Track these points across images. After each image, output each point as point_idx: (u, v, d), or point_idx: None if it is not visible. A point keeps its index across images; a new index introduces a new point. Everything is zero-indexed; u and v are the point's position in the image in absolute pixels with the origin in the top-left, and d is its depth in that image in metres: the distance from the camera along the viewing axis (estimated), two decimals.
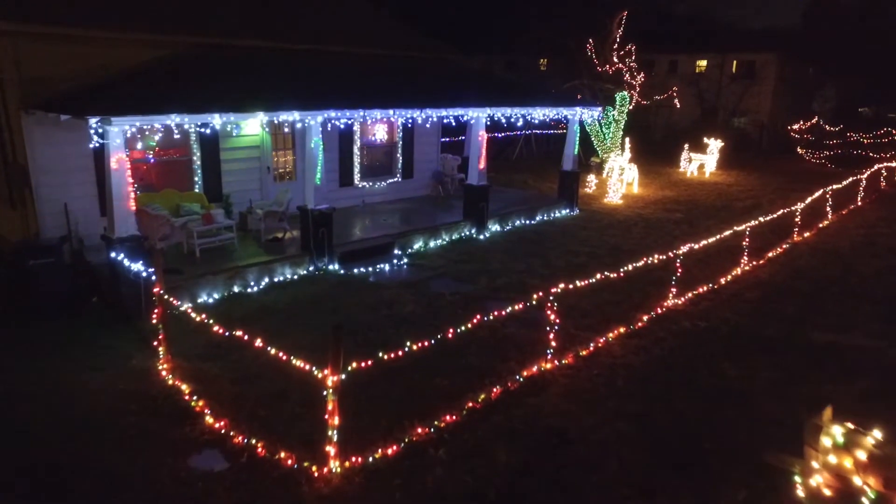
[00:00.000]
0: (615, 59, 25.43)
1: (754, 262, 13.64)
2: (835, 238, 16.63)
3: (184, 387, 7.31)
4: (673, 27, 41.09)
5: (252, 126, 12.69)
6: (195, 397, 7.09)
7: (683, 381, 7.93)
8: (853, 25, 46.40)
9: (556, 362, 8.18)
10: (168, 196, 12.02)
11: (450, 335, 6.81)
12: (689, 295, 11.30)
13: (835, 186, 19.30)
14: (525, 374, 7.83)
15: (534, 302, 7.91)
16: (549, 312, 8.04)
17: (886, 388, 8.06)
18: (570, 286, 8.35)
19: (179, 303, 7.75)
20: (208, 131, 10.91)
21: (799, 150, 34.43)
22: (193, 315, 7.23)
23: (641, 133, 25.93)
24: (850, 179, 20.98)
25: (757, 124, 38.71)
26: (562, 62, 31.33)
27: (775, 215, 14.96)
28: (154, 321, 7.65)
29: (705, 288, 11.77)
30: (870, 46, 44.57)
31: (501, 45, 39.14)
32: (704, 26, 44.41)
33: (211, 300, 10.20)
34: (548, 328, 8.08)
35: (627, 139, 23.87)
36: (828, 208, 19.12)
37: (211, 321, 7.09)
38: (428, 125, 13.99)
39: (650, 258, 10.41)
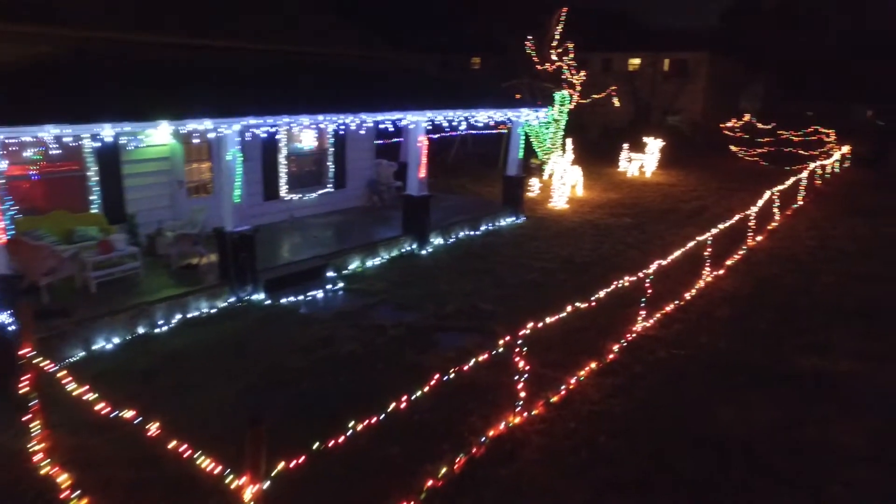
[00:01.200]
0: (554, 58, 24.53)
1: (715, 273, 12.81)
2: (788, 242, 16.07)
3: (63, 476, 5.71)
4: (603, 26, 40.78)
5: (161, 134, 10.93)
6: (77, 492, 5.51)
7: (676, 432, 6.81)
8: (771, 26, 47.44)
9: (525, 414, 6.94)
10: (58, 219, 10.19)
11: (403, 403, 5.46)
12: (658, 315, 10.29)
13: (780, 187, 18.87)
14: (491, 433, 6.55)
15: (500, 349, 6.63)
16: (517, 359, 6.78)
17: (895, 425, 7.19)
18: (540, 324, 7.12)
19: (57, 363, 6.12)
20: (106, 140, 9.17)
21: (732, 147, 34.50)
22: (70, 383, 5.61)
23: (576, 133, 25.11)
24: (792, 179, 20.68)
25: (690, 122, 38.77)
26: (498, 61, 30.32)
27: (732, 221, 14.20)
28: (23, 390, 6.01)
29: (672, 306, 10.80)
30: (789, 46, 45.64)
31: (434, 43, 37.87)
32: (632, 26, 44.41)
33: (109, 346, 8.51)
34: (516, 377, 6.82)
35: (570, 140, 23.02)
36: (775, 209, 18.66)
37: (93, 393, 5.50)
38: (362, 131, 12.57)
39: (620, 282, 9.27)
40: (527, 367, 6.81)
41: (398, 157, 17.91)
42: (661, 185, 24.59)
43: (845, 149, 30.92)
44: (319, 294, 10.70)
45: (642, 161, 27.07)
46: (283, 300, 10.31)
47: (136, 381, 7.60)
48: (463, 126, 14.57)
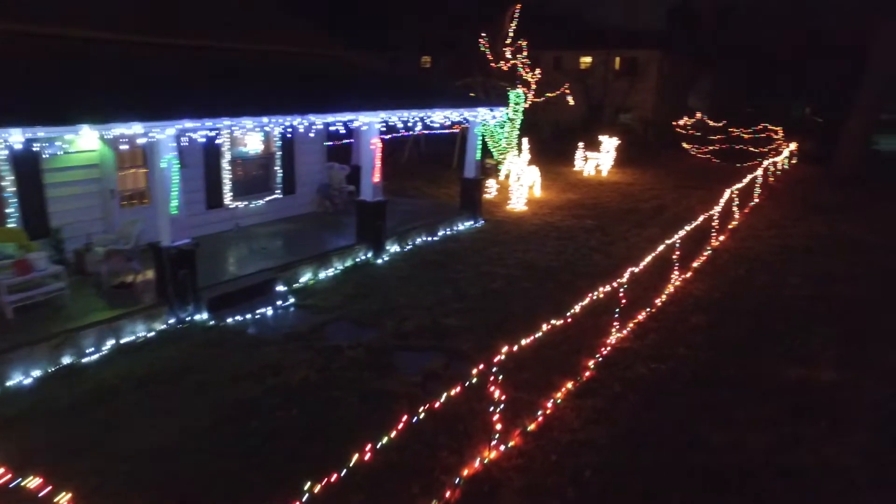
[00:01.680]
0: (508, 55, 23.98)
1: (684, 276, 12.39)
2: (750, 241, 15.84)
3: None
4: (553, 24, 40.52)
5: (88, 139, 9.89)
6: None
7: (667, 464, 6.22)
8: (713, 25, 48.02)
9: (502, 447, 6.26)
10: None
11: (367, 453, 4.72)
12: (632, 325, 9.76)
13: (738, 186, 18.71)
14: (466, 472, 5.85)
15: (473, 380, 5.94)
16: (492, 387, 6.10)
17: (888, 442, 6.77)
18: (515, 347, 6.45)
19: None
20: (18, 146, 8.12)
21: (685, 145, 34.62)
22: None
23: (529, 131, 24.64)
24: (749, 177, 20.60)
25: (642, 120, 38.84)
26: (450, 59, 29.68)
27: (697, 222, 13.85)
28: None
29: (644, 314, 10.28)
30: (730, 45, 46.21)
31: (383, 41, 37.00)
32: (581, 24, 44.30)
33: (28, 381, 7.52)
34: (491, 408, 6.13)
35: (526, 140, 22.51)
36: (734, 208, 18.48)
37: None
38: (311, 133, 11.72)
39: (595, 294, 8.68)
40: (502, 397, 6.13)
41: (350, 160, 17.09)
42: (618, 185, 24.31)
43: (793, 146, 31.29)
44: (269, 312, 9.83)
45: (598, 160, 26.79)
46: (229, 320, 9.41)
47: (56, 426, 6.65)
48: (418, 127, 13.83)
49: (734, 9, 50.15)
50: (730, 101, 43.26)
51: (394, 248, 13.54)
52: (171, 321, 9.12)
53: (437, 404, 5.54)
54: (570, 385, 7.67)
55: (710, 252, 14.44)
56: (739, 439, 6.70)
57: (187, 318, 9.22)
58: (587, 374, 8.07)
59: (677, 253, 12.03)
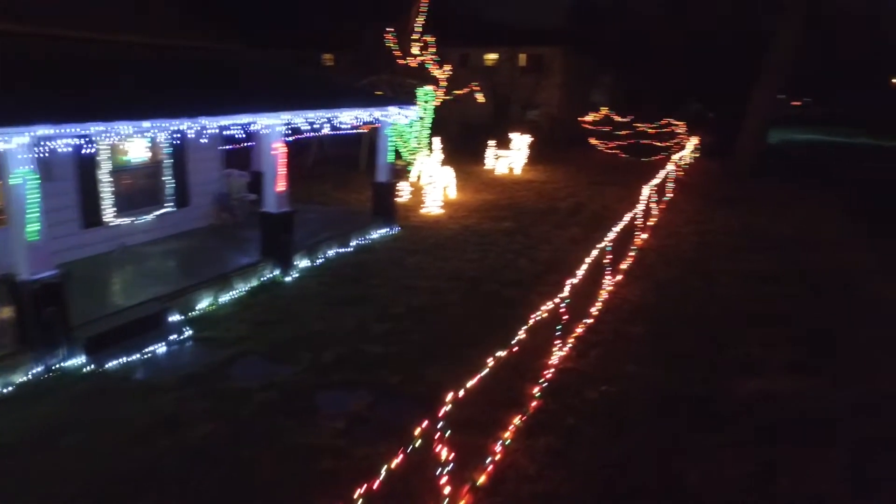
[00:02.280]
0: (416, 52, 22.98)
1: (614, 280, 11.79)
2: (673, 239, 15.56)
3: None
4: (457, 21, 39.85)
5: None
6: None
7: None
8: (609, 23, 48.84)
9: None
10: None
11: None
12: (571, 340, 8.98)
13: (654, 182, 18.52)
14: None
15: (417, 443, 4.90)
16: (440, 448, 5.07)
17: (865, 457, 6.25)
18: (460, 393, 5.46)
19: None
20: None
21: (592, 141, 34.77)
22: None
23: (435, 129, 23.80)
24: (663, 172, 20.53)
25: (548, 117, 38.81)
26: (355, 56, 28.37)
27: (624, 222, 13.33)
28: None
29: (582, 326, 9.54)
30: (626, 43, 47.10)
31: (282, 37, 35.09)
32: (485, 21, 43.89)
33: None
34: (438, 471, 5.11)
35: (438, 139, 21.62)
36: (651, 204, 18.26)
37: None
38: (203, 139, 10.27)
39: (537, 313, 7.80)
40: (451, 456, 5.12)
41: (250, 166, 15.60)
42: (532, 183, 23.82)
43: (695, 140, 31.94)
44: (161, 349, 8.41)
45: (511, 158, 26.25)
46: (112, 363, 7.93)
47: None
48: (326, 129, 12.59)
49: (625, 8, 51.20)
50: (633, 97, 43.97)
51: (303, 262, 12.28)
52: (38, 370, 7.57)
53: (374, 484, 4.45)
54: (517, 421, 6.76)
55: (636, 252, 13.97)
56: (716, 473, 5.99)
57: (57, 366, 7.69)
58: (534, 404, 7.19)
59: (608, 257, 11.40)
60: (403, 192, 19.27)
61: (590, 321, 9.82)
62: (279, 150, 11.25)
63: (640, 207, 14.93)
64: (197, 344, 8.71)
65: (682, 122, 34.48)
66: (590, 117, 36.05)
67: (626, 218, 13.63)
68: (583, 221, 17.35)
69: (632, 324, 9.87)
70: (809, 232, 16.95)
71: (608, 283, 11.44)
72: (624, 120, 35.00)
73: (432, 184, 18.51)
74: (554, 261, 13.36)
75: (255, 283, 11.02)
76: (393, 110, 14.53)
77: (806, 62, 39.74)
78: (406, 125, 22.65)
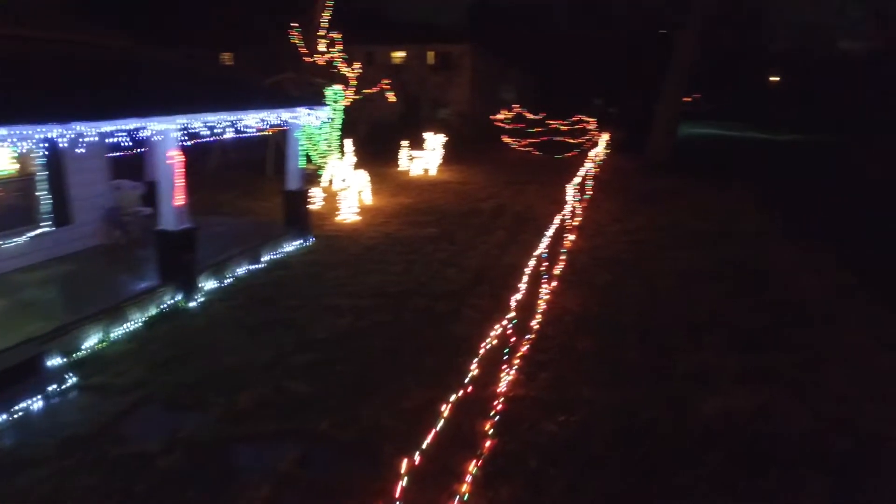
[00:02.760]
0: (322, 49, 21.69)
1: (550, 287, 11.09)
2: (601, 239, 15.10)
3: None
4: (361, 18, 38.65)
5: None
6: None
7: None
8: (508, 21, 48.95)
9: None
10: None
11: None
12: (517, 361, 8.16)
13: (577, 180, 18.11)
14: None
15: None
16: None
17: (846, 486, 5.71)
18: (416, 457, 4.49)
19: None
20: None
21: (505, 139, 34.38)
22: None
23: (344, 131, 22.67)
24: (583, 170, 20.18)
25: (459, 115, 38.21)
26: (258, 53, 26.69)
27: (555, 225, 12.68)
28: None
29: (525, 343, 8.74)
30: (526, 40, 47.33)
31: (176, 34, 32.73)
32: (389, 19, 42.93)
33: None
34: None
35: (350, 141, 20.47)
36: (575, 203, 17.83)
37: None
38: (80, 148, 8.76)
39: (486, 343, 6.90)
40: None
41: (144, 175, 13.96)
42: (449, 184, 23.02)
43: (606, 136, 32.11)
44: (36, 404, 6.98)
45: (425, 159, 25.37)
46: None
47: None
48: (229, 133, 11.25)
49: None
50: (542, 94, 44.09)
51: (210, 284, 10.94)
52: None
53: None
54: (473, 468, 5.84)
55: (566, 255, 13.36)
56: None
57: None
58: (489, 444, 6.30)
59: (545, 264, 10.69)
60: (316, 198, 18.03)
61: (532, 336, 9.04)
62: (175, 158, 9.88)
63: (567, 208, 14.35)
64: (83, 394, 7.31)
65: (592, 119, 34.65)
66: (502, 115, 35.67)
67: (552, 219, 13.00)
68: (507, 224, 16.67)
69: (577, 338, 9.16)
70: (731, 226, 16.94)
71: (544, 291, 10.73)
72: (536, 117, 34.81)
73: (346, 189, 17.38)
74: (483, 269, 12.57)
75: (153, 312, 9.62)
76: (302, 111, 13.34)
77: (696, 60, 40.91)
78: (316, 127, 21.38)
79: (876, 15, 52.32)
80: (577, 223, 16.43)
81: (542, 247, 10.51)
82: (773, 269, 12.93)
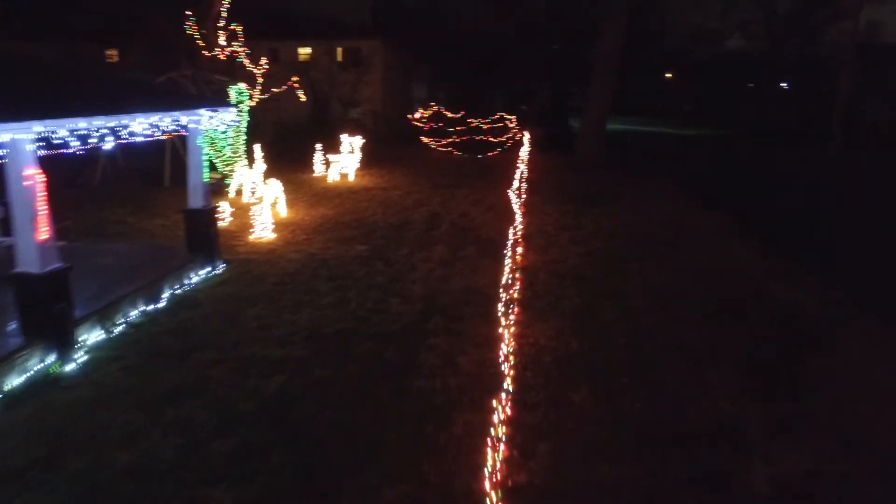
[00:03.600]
0: (223, 42, 19.17)
1: (513, 315, 9.40)
2: (553, 251, 13.57)
3: None
4: (263, 13, 35.81)
5: None
6: None
7: None
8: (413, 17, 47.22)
9: None
10: None
11: None
12: (504, 429, 6.35)
13: (515, 185, 16.66)
14: None
15: None
16: None
17: None
18: None
19: None
20: None
21: (423, 139, 32.58)
22: None
23: (252, 134, 20.32)
24: (518, 172, 18.76)
25: (372, 114, 36.12)
26: (146, 49, 23.67)
27: (512, 243, 11.03)
28: None
29: (506, 400, 6.94)
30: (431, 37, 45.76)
31: (50, 27, 28.90)
32: (293, 14, 40.19)
33: None
34: None
35: (259, 146, 18.19)
36: (515, 209, 16.31)
37: None
38: None
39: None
40: None
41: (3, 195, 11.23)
42: (371, 191, 21.01)
43: (527, 134, 30.93)
44: None
45: (343, 163, 23.22)
46: None
47: None
48: (109, 142, 8.84)
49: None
50: (461, 92, 42.58)
51: (94, 336, 8.58)
52: None
53: None
54: None
55: (521, 272, 11.71)
56: None
57: None
58: None
59: (499, 285, 9.00)
60: (224, 213, 15.65)
61: (512, 388, 7.26)
62: (34, 179, 7.48)
63: (510, 216, 12.74)
64: None
65: (513, 116, 33.43)
66: (419, 114, 33.85)
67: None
68: (445, 236, 14.88)
69: (566, 386, 7.47)
70: (681, 229, 15.87)
71: (509, 321, 9.02)
72: (456, 116, 33.20)
73: (259, 202, 15.10)
74: (431, 295, 10.72)
75: (15, 383, 7.22)
76: (204, 114, 11.08)
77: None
78: (220, 131, 18.86)
79: (765, 19, 54.31)
80: (521, 231, 14.87)
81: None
82: (744, 280, 11.79)
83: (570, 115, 46.80)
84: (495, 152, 30.37)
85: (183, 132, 11.04)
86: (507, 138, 31.36)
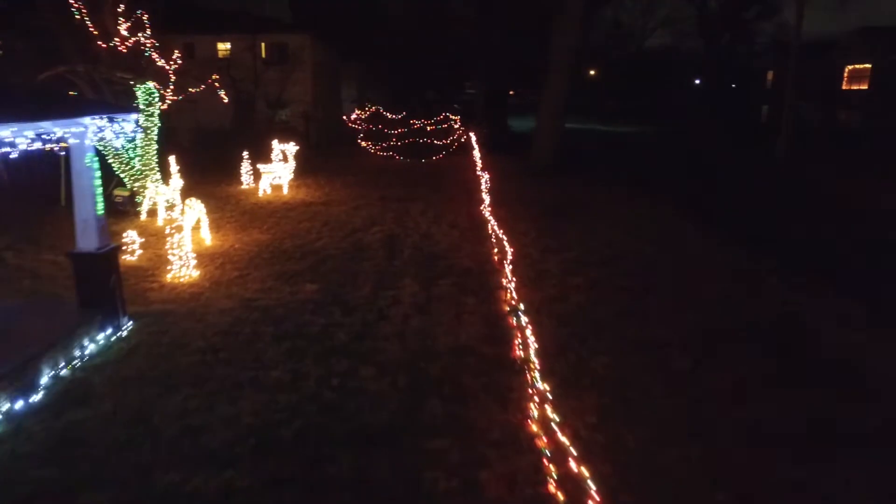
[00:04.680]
0: (125, 32, 15.86)
1: (536, 393, 6.93)
2: (550, 286, 11.11)
3: None
4: (173, 6, 32.05)
5: None
6: None
7: None
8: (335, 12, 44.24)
9: None
10: None
11: None
12: None
13: (486, 201, 14.22)
14: None
15: None
16: None
17: None
18: None
19: None
20: None
21: (362, 143, 29.72)
22: None
23: (164, 143, 17.18)
24: (483, 185, 16.32)
25: (303, 116, 32.96)
26: (26, 41, 19.91)
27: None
28: None
29: None
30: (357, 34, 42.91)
31: None
32: (209, 7, 36.51)
33: None
34: None
35: (173, 158, 15.10)
36: (492, 228, 13.89)
37: None
38: None
39: None
40: None
41: None
42: (312, 206, 18.13)
43: (473, 135, 28.65)
44: None
45: (275, 173, 20.19)
46: None
47: None
48: None
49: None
50: (399, 90, 39.82)
51: None
52: None
53: None
54: None
55: (517, 318, 9.23)
56: None
57: None
58: None
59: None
60: (132, 244, 12.53)
61: None
62: None
63: (485, 238, 10.28)
64: None
65: (457, 116, 31.03)
66: (356, 115, 30.96)
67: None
68: (411, 267, 12.24)
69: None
70: (673, 249, 13.77)
71: (532, 404, 6.57)
72: (397, 117, 30.49)
73: (177, 228, 11.96)
74: (415, 361, 8.12)
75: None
76: (91, 122, 8.10)
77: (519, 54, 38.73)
78: (126, 140, 15.56)
79: (698, 11, 54.09)
80: (500, 256, 12.43)
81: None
82: (784, 317, 9.71)
83: (511, 114, 44.92)
84: (441, 156, 27.89)
85: (65, 142, 8.00)
86: (452, 140, 28.91)
